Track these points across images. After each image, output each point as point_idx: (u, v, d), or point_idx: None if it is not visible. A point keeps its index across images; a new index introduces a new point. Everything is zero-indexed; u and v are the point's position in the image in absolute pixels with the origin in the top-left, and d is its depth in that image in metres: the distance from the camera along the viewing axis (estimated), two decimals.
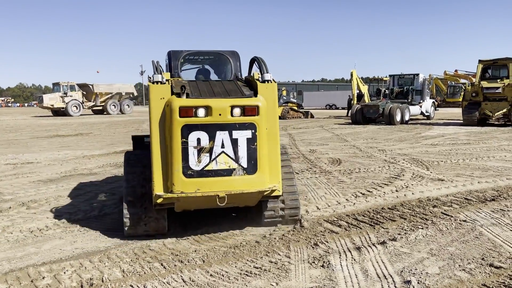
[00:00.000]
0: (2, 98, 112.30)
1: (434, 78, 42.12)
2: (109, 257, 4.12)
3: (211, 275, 3.70)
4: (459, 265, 3.79)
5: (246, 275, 3.69)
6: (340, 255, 4.08)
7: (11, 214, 5.71)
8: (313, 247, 4.31)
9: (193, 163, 4.20)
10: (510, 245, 4.24)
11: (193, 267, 3.86)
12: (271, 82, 4.56)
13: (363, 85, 30.30)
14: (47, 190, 7.19)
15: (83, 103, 39.11)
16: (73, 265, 3.93)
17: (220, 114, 4.21)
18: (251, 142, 4.34)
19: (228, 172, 4.30)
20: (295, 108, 31.31)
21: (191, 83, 4.71)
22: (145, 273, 3.76)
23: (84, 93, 39.76)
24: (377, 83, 28.62)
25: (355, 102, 27.71)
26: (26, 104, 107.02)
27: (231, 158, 4.29)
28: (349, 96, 32.24)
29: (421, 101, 25.07)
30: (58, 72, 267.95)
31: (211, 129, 4.22)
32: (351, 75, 29.26)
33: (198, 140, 4.20)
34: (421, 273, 3.62)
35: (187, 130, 4.17)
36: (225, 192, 4.27)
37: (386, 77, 27.88)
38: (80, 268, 3.88)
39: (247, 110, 4.33)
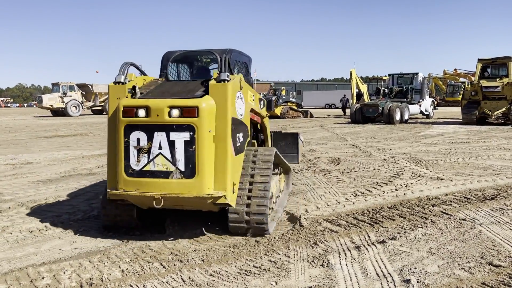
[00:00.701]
0: (2, 99, 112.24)
1: (434, 77, 42.17)
2: (109, 257, 4.12)
3: (210, 274, 3.70)
4: (459, 264, 3.80)
5: (246, 274, 3.69)
6: (340, 254, 4.08)
7: (11, 214, 5.71)
8: (312, 246, 4.31)
9: (134, 163, 4.25)
10: (509, 244, 4.24)
11: (193, 267, 3.86)
12: (226, 81, 4.27)
13: (363, 84, 30.32)
14: (47, 190, 7.18)
15: (82, 103, 39.10)
16: (72, 265, 3.93)
17: (157, 115, 4.17)
18: (189, 145, 4.15)
19: (165, 174, 4.21)
20: (295, 107, 31.32)
21: (160, 84, 4.88)
22: (144, 273, 3.76)
23: (84, 93, 39.75)
24: (376, 82, 28.62)
25: (355, 101, 27.73)
26: (25, 105, 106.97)
27: (168, 160, 4.19)
28: (344, 95, 32.23)
29: (421, 100, 25.08)
30: (57, 73, 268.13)
31: (149, 130, 4.21)
32: (351, 74, 29.29)
33: (138, 140, 4.23)
34: (421, 272, 3.62)
35: (128, 129, 4.24)
36: (161, 194, 4.21)
37: (385, 76, 27.89)
38: (79, 268, 3.88)
39: (185, 112, 4.16)
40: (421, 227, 4.77)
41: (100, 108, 40.64)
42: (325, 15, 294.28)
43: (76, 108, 38.01)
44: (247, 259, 4.02)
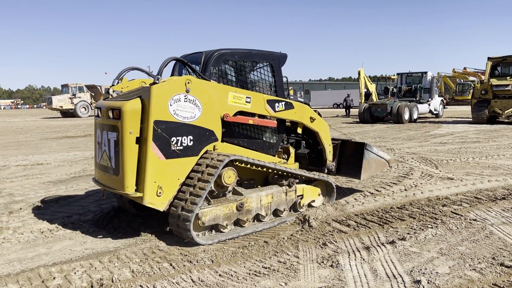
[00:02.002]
0: (12, 100, 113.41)
1: (443, 76, 41.82)
2: (119, 257, 4.15)
3: (220, 275, 3.71)
4: (470, 265, 3.76)
5: (255, 275, 3.69)
6: (349, 255, 4.06)
7: (22, 215, 5.77)
8: (321, 247, 4.30)
9: (97, 156, 4.88)
10: None
11: (202, 267, 3.87)
12: (155, 84, 4.28)
13: (371, 83, 30.15)
14: (57, 191, 7.25)
15: (91, 104, 39.33)
16: (83, 266, 3.96)
17: (104, 116, 4.62)
18: (116, 144, 4.41)
19: (106, 169, 4.65)
20: None
21: (137, 88, 5.07)
22: (154, 273, 3.78)
23: (93, 94, 39.96)
24: (385, 81, 28.46)
25: (363, 101, 27.57)
26: (35, 106, 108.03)
27: (108, 157, 4.59)
28: (348, 94, 32.07)
29: (430, 99, 24.89)
30: (67, 74, 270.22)
31: (100, 129, 4.73)
32: (359, 73, 29.13)
33: (98, 137, 4.80)
34: (431, 273, 3.60)
35: (96, 127, 4.89)
36: (103, 186, 4.76)
37: (394, 75, 27.71)
38: (90, 268, 3.91)
39: (114, 113, 4.44)
40: (431, 228, 4.74)
41: None
42: (332, 14, 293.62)
43: (85, 109, 38.25)
44: (256, 260, 4.02)
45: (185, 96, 4.42)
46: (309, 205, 5.63)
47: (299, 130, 5.74)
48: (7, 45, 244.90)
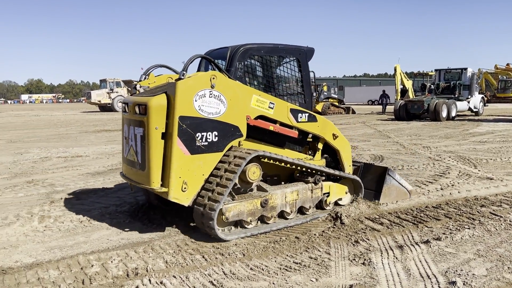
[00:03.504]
0: (53, 95, 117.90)
1: (484, 72, 40.22)
2: (153, 248, 4.26)
3: (251, 268, 3.75)
4: (508, 267, 3.64)
5: (286, 270, 3.71)
6: (382, 253, 4.01)
7: (63, 204, 6.01)
8: (353, 244, 4.27)
9: (124, 151, 4.94)
10: None
11: (234, 260, 3.92)
12: (180, 80, 4.27)
13: (407, 80, 29.43)
14: (95, 183, 7.51)
15: None
16: (119, 255, 4.10)
17: (130, 111, 4.66)
18: (143, 139, 4.44)
19: (133, 164, 4.70)
20: (336, 103, 30.88)
21: (164, 83, 5.09)
22: (187, 264, 3.86)
23: (129, 89, 40.95)
24: (422, 78, 27.68)
25: (399, 97, 26.96)
26: (75, 100, 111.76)
27: (134, 152, 4.65)
28: (383, 91, 31.36)
29: (469, 97, 24.03)
30: (105, 70, 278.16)
31: (127, 124, 4.79)
32: (395, 69, 28.49)
33: (125, 132, 4.87)
34: (467, 274, 3.51)
35: (123, 122, 4.95)
36: (130, 181, 4.82)
37: (431, 71, 26.91)
38: (126, 257, 4.04)
39: (140, 109, 4.46)
40: (468, 228, 4.61)
41: None
42: (368, 10, 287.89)
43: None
44: (287, 255, 4.03)
45: (210, 91, 4.40)
46: (336, 203, 5.53)
47: (320, 146, 5.56)
48: (50, 42, 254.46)
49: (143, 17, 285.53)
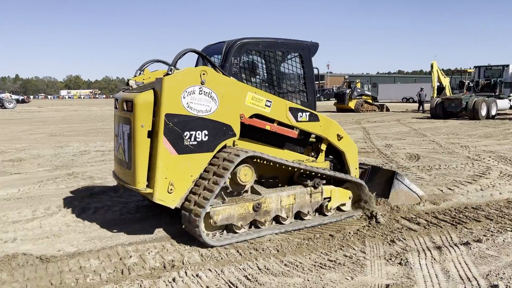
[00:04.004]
0: (90, 90, 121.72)
1: None
2: (189, 241, 4.33)
3: (285, 264, 3.76)
4: None
5: (320, 267, 3.69)
6: (419, 254, 3.93)
7: (102, 197, 6.20)
8: (389, 244, 4.20)
9: (115, 149, 4.80)
10: None
11: (268, 256, 3.94)
12: (168, 75, 4.06)
13: (444, 77, 28.56)
14: None
15: None
16: (156, 247, 4.19)
17: (120, 108, 4.46)
18: (129, 137, 4.23)
19: (122, 163, 4.52)
20: (370, 101, 30.39)
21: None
22: (222, 258, 3.91)
23: None
24: (460, 75, 26.83)
25: (435, 95, 26.23)
26: (111, 96, 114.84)
27: (123, 150, 4.46)
28: (421, 88, 30.52)
29: (511, 95, 23.09)
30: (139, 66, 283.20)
31: (117, 121, 4.63)
32: (431, 66, 27.71)
33: (115, 129, 4.71)
34: (510, 278, 3.39)
35: (114, 119, 4.81)
36: (119, 180, 4.62)
37: (470, 68, 26.01)
38: (162, 250, 4.13)
39: (128, 105, 4.26)
40: (511, 231, 4.44)
41: None
42: (403, 5, 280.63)
43: None
44: (321, 252, 4.02)
45: (200, 88, 4.14)
46: (339, 209, 5.14)
47: (323, 147, 5.16)
48: (88, 40, 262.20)
49: (168, 14, 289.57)
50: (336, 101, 30.56)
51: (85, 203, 5.84)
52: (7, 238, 4.49)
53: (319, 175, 4.86)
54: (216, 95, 4.24)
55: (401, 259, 3.80)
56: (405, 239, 4.30)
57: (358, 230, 4.62)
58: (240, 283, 3.42)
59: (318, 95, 5.34)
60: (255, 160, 4.42)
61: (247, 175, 4.33)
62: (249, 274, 3.56)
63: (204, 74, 4.15)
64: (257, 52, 4.80)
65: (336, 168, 5.31)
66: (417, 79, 67.72)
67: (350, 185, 5.20)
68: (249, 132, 4.63)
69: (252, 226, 4.54)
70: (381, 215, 4.96)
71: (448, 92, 27.27)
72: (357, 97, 29.31)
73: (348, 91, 29.01)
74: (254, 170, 4.40)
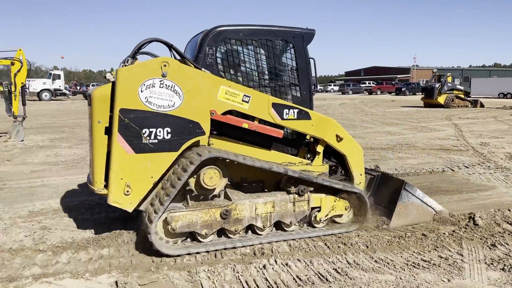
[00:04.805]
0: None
1: None
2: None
3: (375, 261, 3.69)
4: None
5: (414, 266, 3.57)
6: None
7: None
8: (490, 248, 3.94)
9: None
10: None
11: (357, 251, 3.90)
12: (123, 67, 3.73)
13: None
14: None
15: None
16: None
17: (89, 103, 3.98)
18: (90, 133, 3.94)
19: (90, 162, 4.14)
20: (462, 96, 28.35)
21: None
22: (310, 250, 3.95)
23: None
24: None
25: None
26: None
27: (90, 148, 4.12)
28: None
29: None
30: None
31: (88, 117, 4.12)
32: None
33: (89, 125, 4.20)
34: None
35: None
36: (88, 181, 4.25)
37: None
38: None
39: (88, 100, 3.95)
40: None
41: None
42: None
43: None
44: (414, 251, 3.88)
45: (160, 81, 3.74)
46: (334, 221, 4.51)
47: (319, 149, 4.50)
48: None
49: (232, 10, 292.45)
50: (423, 95, 28.99)
51: None
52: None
53: (306, 181, 4.24)
54: (181, 89, 3.83)
55: (504, 265, 3.54)
56: (508, 244, 4.00)
57: (453, 231, 4.37)
58: (330, 275, 3.43)
59: (315, 89, 4.66)
60: (228, 161, 3.98)
61: (212, 178, 3.89)
62: (338, 268, 3.56)
63: (165, 65, 3.75)
64: (238, 41, 4.28)
65: (333, 174, 4.67)
66: None
67: (347, 194, 4.49)
68: (231, 131, 4.19)
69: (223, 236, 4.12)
70: (479, 217, 4.65)
71: None
72: (448, 92, 27.51)
73: (437, 85, 27.34)
74: (224, 173, 3.98)
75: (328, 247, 4.02)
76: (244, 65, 4.35)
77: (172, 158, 3.85)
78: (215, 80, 3.98)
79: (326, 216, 4.41)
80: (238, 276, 3.43)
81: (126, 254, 3.87)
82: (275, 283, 3.30)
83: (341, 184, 4.39)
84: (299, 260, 3.70)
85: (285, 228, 4.28)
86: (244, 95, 4.07)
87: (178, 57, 4.05)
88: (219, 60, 4.17)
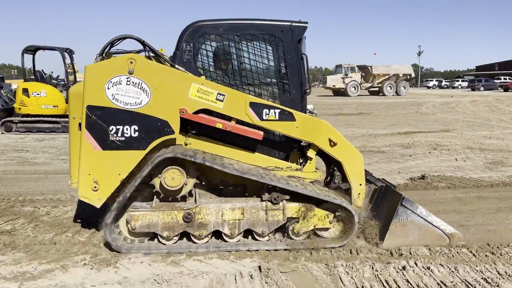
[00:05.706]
0: None
1: None
2: None
3: None
4: None
5: None
6: None
7: None
8: None
9: None
10: None
11: (508, 261, 3.61)
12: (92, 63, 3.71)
13: None
14: None
15: (360, 84, 40.87)
16: None
17: (69, 99, 4.25)
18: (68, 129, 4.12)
19: None
20: None
21: None
22: (453, 255, 3.77)
23: (363, 74, 41.40)
24: None
25: None
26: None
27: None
28: None
29: None
30: (340, 55, 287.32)
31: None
32: None
33: None
34: None
35: None
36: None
37: None
38: None
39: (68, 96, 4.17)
40: None
41: (377, 89, 41.57)
42: None
43: (355, 89, 39.97)
44: None
45: (127, 78, 3.70)
46: (316, 235, 4.04)
47: (311, 154, 4.16)
48: None
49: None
50: None
51: None
52: None
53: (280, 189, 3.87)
54: (148, 86, 3.75)
55: None
56: None
57: None
58: (479, 285, 3.22)
59: (308, 88, 4.24)
60: (197, 163, 3.79)
61: (174, 180, 3.77)
62: (488, 277, 3.33)
63: (132, 62, 3.70)
64: (218, 37, 4.08)
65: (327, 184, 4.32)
66: None
67: (332, 205, 3.98)
68: (211, 131, 4.02)
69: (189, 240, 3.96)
70: None
71: None
72: None
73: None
74: (192, 173, 3.86)
75: (473, 254, 3.77)
76: (224, 62, 4.22)
77: (140, 157, 3.81)
78: (185, 78, 3.87)
79: (306, 228, 3.99)
80: (378, 275, 3.41)
81: None
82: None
83: (322, 194, 3.90)
84: (441, 265, 3.54)
85: (257, 238, 3.98)
86: (218, 93, 3.90)
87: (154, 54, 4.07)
88: (197, 57, 4.05)
